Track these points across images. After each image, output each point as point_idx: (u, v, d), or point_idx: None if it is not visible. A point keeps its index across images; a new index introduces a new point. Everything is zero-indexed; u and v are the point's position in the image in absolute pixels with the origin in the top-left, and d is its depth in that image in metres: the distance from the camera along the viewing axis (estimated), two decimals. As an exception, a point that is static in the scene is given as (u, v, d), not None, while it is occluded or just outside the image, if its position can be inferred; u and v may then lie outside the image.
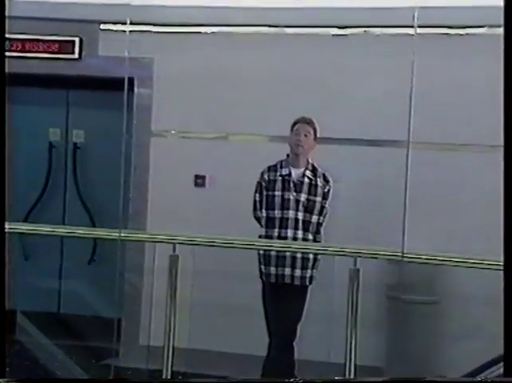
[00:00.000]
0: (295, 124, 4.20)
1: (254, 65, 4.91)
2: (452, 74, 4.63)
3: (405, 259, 3.55)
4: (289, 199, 4.11)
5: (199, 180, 5.03)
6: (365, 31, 4.77)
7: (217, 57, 4.92)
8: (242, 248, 3.93)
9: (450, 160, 4.67)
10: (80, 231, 4.28)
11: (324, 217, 4.19)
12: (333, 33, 4.80)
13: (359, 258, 3.64)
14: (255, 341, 4.21)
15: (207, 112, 4.96)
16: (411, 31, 3.75)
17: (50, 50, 5.09)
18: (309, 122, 4.19)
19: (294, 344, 4.13)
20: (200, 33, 4.95)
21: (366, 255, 3.70)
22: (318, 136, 4.22)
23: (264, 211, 4.16)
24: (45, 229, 4.13)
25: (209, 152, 5.00)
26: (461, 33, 4.61)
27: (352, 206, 4.71)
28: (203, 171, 5.02)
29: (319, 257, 4.16)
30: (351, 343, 3.63)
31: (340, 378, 3.49)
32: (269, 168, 4.21)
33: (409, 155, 3.61)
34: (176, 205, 4.96)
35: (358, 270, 3.64)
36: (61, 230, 4.54)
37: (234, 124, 4.96)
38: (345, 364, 3.62)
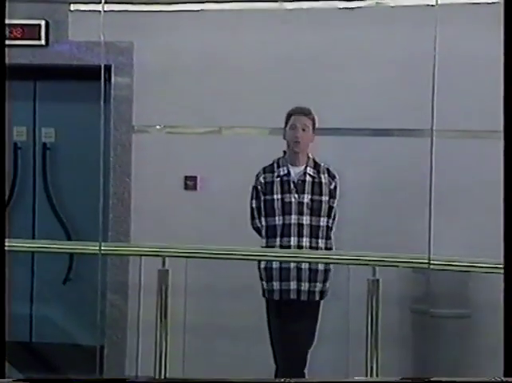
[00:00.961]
0: (290, 115, 4.10)
1: (250, 47, 4.87)
2: (482, 51, 4.59)
3: (432, 267, 3.53)
4: (290, 203, 4.04)
5: (190, 182, 5.01)
6: (377, 3, 4.77)
7: (207, 39, 4.88)
8: (243, 259, 3.92)
9: (480, 150, 4.61)
10: (55, 246, 4.27)
11: (334, 219, 4.12)
12: (340, 6, 4.80)
13: (378, 267, 3.63)
14: (262, 367, 4.15)
15: (197, 104, 4.93)
16: (432, 1, 3.73)
17: (12, 36, 5.01)
18: (306, 113, 4.09)
19: (305, 371, 4.04)
20: (187, 11, 4.93)
21: (386, 264, 3.68)
22: (324, 126, 4.19)
23: (263, 218, 4.09)
24: (13, 244, 4.10)
25: (200, 150, 4.97)
26: (490, 1, 4.58)
27: (362, 205, 4.69)
28: (194, 172, 5.00)
29: (330, 266, 4.07)
30: (371, 365, 3.62)
31: (340, 378, 3.48)
32: (264, 170, 4.13)
33: (433, 146, 3.58)
34: (164, 212, 4.94)
35: (377, 280, 3.62)
36: (32, 245, 4.54)
37: (228, 117, 4.93)
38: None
